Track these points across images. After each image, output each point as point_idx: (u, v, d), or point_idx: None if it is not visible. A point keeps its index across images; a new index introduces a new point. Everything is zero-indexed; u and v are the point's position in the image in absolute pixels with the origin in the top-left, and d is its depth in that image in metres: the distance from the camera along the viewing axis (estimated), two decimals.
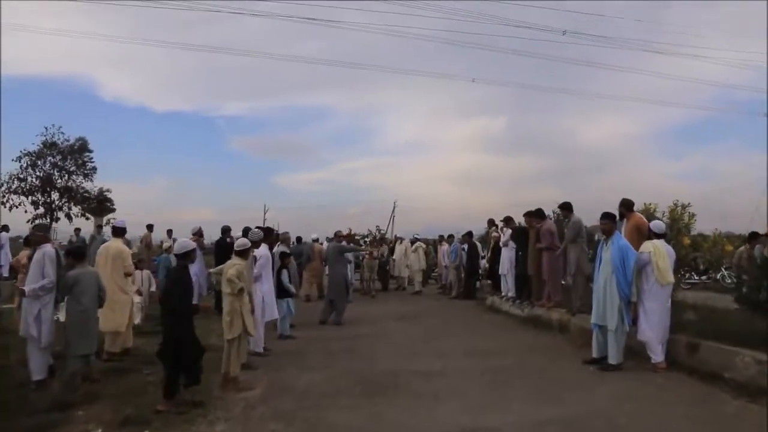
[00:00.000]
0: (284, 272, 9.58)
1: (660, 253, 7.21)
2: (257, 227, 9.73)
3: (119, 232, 8.07)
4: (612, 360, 7.24)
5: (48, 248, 6.27)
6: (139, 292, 9.90)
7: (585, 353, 8.03)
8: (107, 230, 24.47)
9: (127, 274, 7.50)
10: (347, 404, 5.82)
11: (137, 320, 9.80)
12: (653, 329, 7.16)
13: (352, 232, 18.28)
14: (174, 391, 5.51)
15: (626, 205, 8.19)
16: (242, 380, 6.48)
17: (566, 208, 10.23)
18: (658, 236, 7.41)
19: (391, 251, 17.93)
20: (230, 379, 6.33)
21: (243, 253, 7.00)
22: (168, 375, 5.50)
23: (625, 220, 8.22)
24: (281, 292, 9.47)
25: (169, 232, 18.69)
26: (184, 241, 6.25)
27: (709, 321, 7.73)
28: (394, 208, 18.55)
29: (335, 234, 13.02)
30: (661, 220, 8.54)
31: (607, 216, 7.57)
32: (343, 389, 6.40)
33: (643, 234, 7.79)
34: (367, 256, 15.87)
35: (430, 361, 7.80)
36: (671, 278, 7.26)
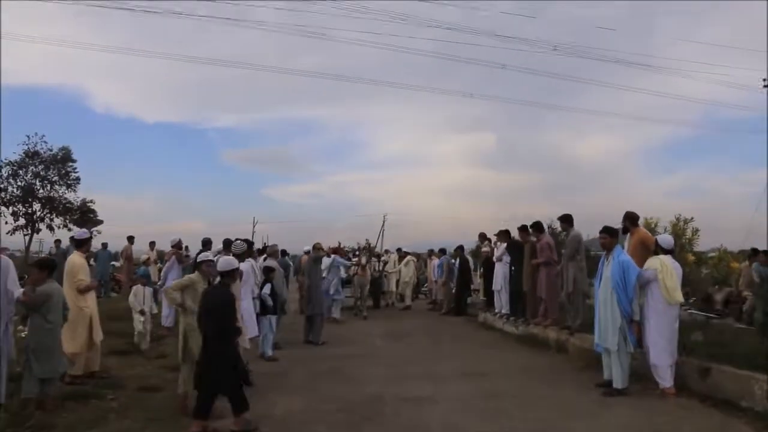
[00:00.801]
0: (267, 287, 9.00)
1: (667, 270, 6.72)
2: (237, 239, 9.17)
3: (78, 243, 7.44)
4: (617, 384, 6.78)
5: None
6: (142, 312, 9.29)
7: (585, 375, 7.65)
8: (95, 243, 24.11)
9: (78, 290, 6.86)
10: None
11: (143, 345, 9.23)
12: (661, 352, 6.64)
13: (341, 246, 17.60)
14: (206, 412, 5.25)
15: (631, 219, 7.70)
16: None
17: (566, 220, 9.73)
18: (666, 252, 6.93)
19: (384, 265, 17.15)
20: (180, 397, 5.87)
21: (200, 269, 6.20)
22: (201, 396, 5.27)
23: (629, 234, 7.75)
24: (264, 308, 8.91)
25: (152, 244, 18.10)
26: (228, 259, 5.97)
27: (719, 343, 7.25)
28: (384, 221, 18.05)
29: (314, 246, 11.85)
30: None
31: (606, 230, 7.15)
32: (324, 418, 5.81)
33: (648, 249, 7.32)
34: (359, 271, 14.65)
35: (420, 385, 7.23)
36: (680, 297, 6.76)
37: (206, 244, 12.34)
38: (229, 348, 5.30)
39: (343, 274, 13.73)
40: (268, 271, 9.10)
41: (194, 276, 6.05)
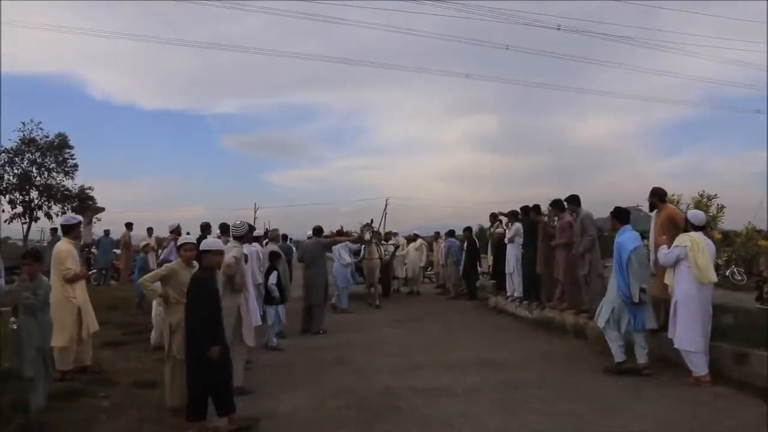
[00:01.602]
0: (273, 274, 8.46)
1: (699, 247, 6.20)
2: (239, 221, 8.61)
3: (66, 229, 6.91)
4: (616, 358, 6.78)
5: None
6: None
7: (608, 362, 7.13)
8: (96, 230, 23.66)
9: (66, 279, 6.37)
10: None
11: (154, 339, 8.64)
12: (694, 337, 6.16)
13: (345, 230, 16.98)
14: (201, 412, 4.77)
15: (658, 195, 7.17)
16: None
17: (573, 201, 9.22)
18: (696, 228, 6.42)
19: (395, 249, 16.27)
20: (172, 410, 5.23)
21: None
22: (193, 396, 4.78)
23: (655, 211, 7.23)
24: (270, 298, 8.40)
25: (150, 230, 17.47)
26: (213, 240, 5.44)
27: (754, 326, 6.77)
28: (386, 205, 17.54)
29: (314, 230, 11.29)
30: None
31: (613, 214, 7.17)
32: (334, 415, 5.35)
33: (677, 226, 6.82)
34: (366, 255, 13.46)
35: (435, 375, 6.78)
36: (713, 276, 6.24)
37: (205, 229, 11.85)
38: (216, 342, 4.75)
39: (348, 258, 12.78)
40: (274, 257, 8.57)
41: (173, 264, 5.47)
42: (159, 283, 5.29)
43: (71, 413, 5.20)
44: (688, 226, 6.49)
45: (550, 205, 9.48)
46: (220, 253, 5.16)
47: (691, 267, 6.18)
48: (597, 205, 8.86)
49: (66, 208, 26.24)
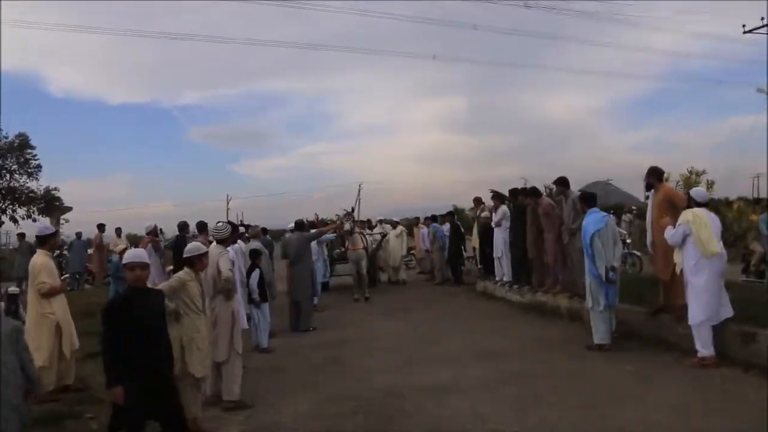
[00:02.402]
0: (255, 273, 8.11)
1: (700, 221, 6.07)
2: (219, 222, 8.24)
3: (40, 241, 6.45)
4: (596, 339, 7.07)
5: None
6: None
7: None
8: (66, 230, 22.80)
9: (41, 294, 5.95)
10: None
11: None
12: (701, 313, 6.02)
13: (320, 218, 16.54)
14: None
15: (656, 175, 7.00)
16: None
17: (562, 183, 9.04)
18: (700, 205, 6.31)
19: (383, 237, 15.77)
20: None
21: (193, 262, 5.11)
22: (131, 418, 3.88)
23: (652, 191, 7.08)
24: (251, 297, 8.06)
25: (118, 230, 16.72)
26: (196, 244, 5.28)
27: (758, 303, 6.69)
28: (359, 190, 17.18)
29: (296, 224, 10.88)
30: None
31: (581, 198, 7.85)
32: (339, 424, 5.08)
33: (675, 206, 6.68)
34: (350, 245, 12.72)
35: (436, 371, 6.56)
36: (716, 248, 6.05)
37: (183, 228, 11.43)
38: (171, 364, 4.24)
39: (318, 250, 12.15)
40: (255, 255, 8.22)
41: (183, 274, 5.02)
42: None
43: None
44: (692, 204, 6.37)
45: (556, 183, 9.23)
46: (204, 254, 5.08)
47: (695, 242, 6.05)
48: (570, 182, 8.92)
49: (31, 210, 25.35)
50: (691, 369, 5.95)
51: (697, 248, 6.04)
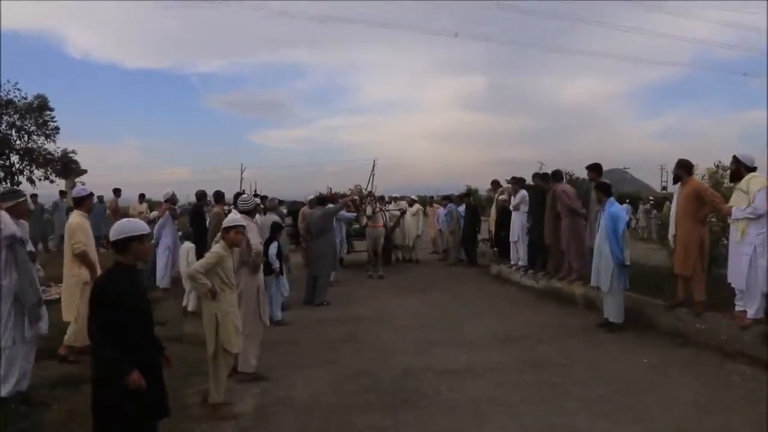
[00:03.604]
0: (273, 245, 8.10)
1: None
2: (242, 192, 8.26)
3: (76, 203, 6.51)
4: (612, 318, 7.49)
5: None
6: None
7: (623, 336, 7.19)
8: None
9: (74, 255, 6.01)
10: (364, 426, 4.53)
11: (190, 306, 8.47)
12: None
13: (333, 192, 16.48)
14: None
15: (685, 167, 6.82)
16: (226, 407, 4.89)
17: (595, 170, 8.87)
18: (750, 169, 6.04)
19: (402, 214, 15.67)
20: (210, 406, 4.84)
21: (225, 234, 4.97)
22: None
23: (679, 184, 6.93)
24: (269, 269, 8.06)
25: (141, 196, 16.94)
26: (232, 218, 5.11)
27: None
28: (374, 166, 16.99)
29: (318, 199, 10.84)
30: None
31: (597, 187, 7.98)
32: (355, 401, 5.09)
33: (704, 200, 6.53)
34: (370, 222, 12.65)
35: (452, 354, 6.54)
36: None
37: (201, 197, 11.43)
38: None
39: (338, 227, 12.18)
40: (276, 228, 8.20)
41: (219, 249, 4.92)
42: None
43: (75, 404, 4.85)
44: (742, 169, 6.09)
45: (589, 168, 9.02)
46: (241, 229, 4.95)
47: None
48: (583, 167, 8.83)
49: (49, 172, 25.57)
50: (708, 365, 5.88)
51: None
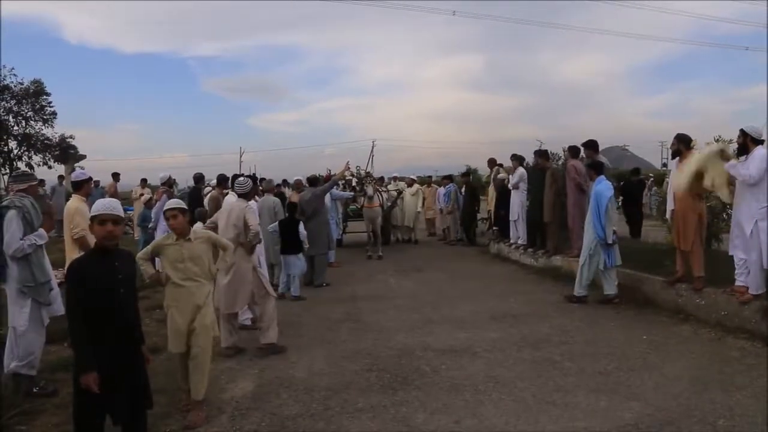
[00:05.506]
0: (301, 225, 8.91)
1: None
2: (240, 175, 8.24)
3: (75, 186, 6.46)
4: (575, 291, 7.83)
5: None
6: None
7: (623, 313, 7.25)
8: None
9: (73, 240, 5.97)
10: (364, 405, 4.53)
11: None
12: None
13: (331, 173, 16.46)
14: None
15: (684, 141, 6.78)
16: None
17: (592, 147, 8.85)
18: (758, 142, 5.90)
19: (399, 194, 15.64)
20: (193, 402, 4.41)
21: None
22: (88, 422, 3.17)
23: (677, 158, 6.89)
24: (297, 248, 8.70)
25: (143, 181, 17.01)
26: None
27: None
28: (372, 147, 17.00)
29: (308, 180, 10.82)
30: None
31: (589, 165, 8.13)
32: (354, 380, 5.10)
33: (702, 175, 6.49)
34: (366, 203, 12.63)
35: (450, 332, 6.56)
36: None
37: (199, 180, 11.40)
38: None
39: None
40: (292, 208, 8.98)
41: (159, 239, 4.84)
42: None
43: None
44: (749, 142, 5.92)
45: (584, 146, 8.98)
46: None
47: None
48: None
49: (47, 157, 25.50)
50: (707, 342, 5.89)
51: None
